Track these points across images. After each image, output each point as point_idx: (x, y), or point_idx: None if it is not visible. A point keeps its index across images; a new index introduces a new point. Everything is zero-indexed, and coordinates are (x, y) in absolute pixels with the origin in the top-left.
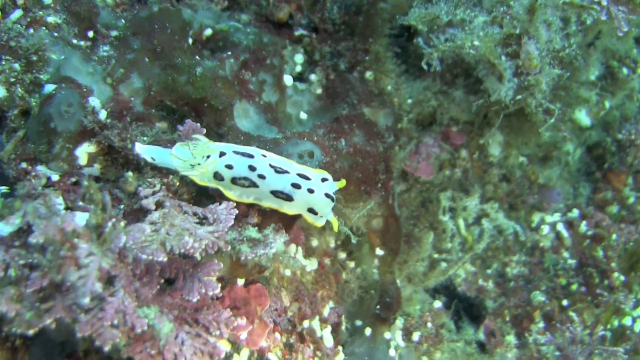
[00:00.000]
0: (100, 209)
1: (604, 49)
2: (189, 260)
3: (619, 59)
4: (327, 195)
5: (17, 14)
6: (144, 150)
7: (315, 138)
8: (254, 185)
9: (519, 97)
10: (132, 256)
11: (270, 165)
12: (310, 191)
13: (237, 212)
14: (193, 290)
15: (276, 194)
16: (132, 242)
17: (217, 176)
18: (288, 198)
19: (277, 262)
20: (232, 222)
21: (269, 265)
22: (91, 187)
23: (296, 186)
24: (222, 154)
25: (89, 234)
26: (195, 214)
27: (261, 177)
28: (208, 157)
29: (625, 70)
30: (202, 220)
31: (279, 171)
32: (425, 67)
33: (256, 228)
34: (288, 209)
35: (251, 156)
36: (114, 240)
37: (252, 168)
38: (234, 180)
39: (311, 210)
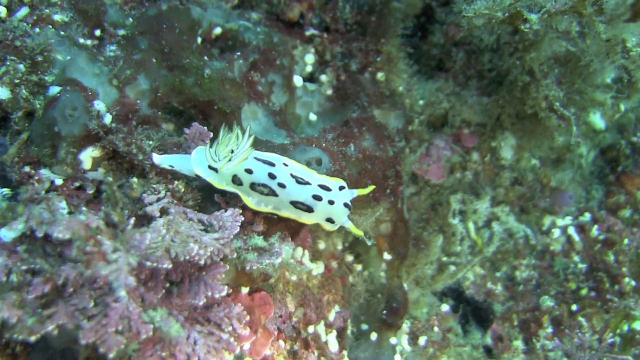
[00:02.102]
0: (120, 207)
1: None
2: (194, 264)
3: (633, 61)
4: (345, 204)
5: (23, 11)
6: (161, 160)
7: (324, 144)
8: (273, 193)
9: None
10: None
11: (292, 175)
12: (331, 202)
13: (242, 219)
14: (199, 294)
15: (296, 204)
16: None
17: (236, 180)
18: (309, 209)
19: (283, 269)
20: (238, 229)
21: (274, 274)
22: (112, 186)
23: (317, 198)
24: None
25: (111, 232)
26: (200, 221)
27: (281, 185)
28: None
29: None
30: (208, 228)
31: (300, 182)
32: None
33: (262, 237)
34: (307, 219)
35: (272, 164)
36: (137, 239)
37: (272, 176)
38: (252, 186)
39: (329, 220)
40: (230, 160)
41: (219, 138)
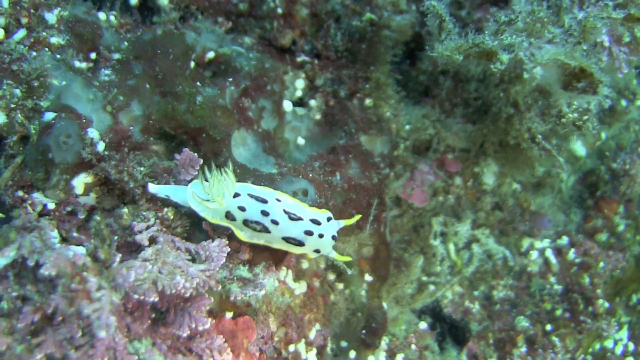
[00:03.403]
0: (108, 244)
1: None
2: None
3: (618, 91)
4: (333, 237)
5: (20, 33)
6: (157, 190)
7: (311, 175)
8: (266, 230)
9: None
10: (124, 292)
11: (285, 211)
12: (321, 236)
13: (229, 250)
14: (183, 325)
15: (288, 240)
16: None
17: (229, 216)
18: (300, 244)
19: (266, 298)
20: (224, 259)
21: (257, 305)
22: (101, 223)
23: (309, 233)
24: (236, 195)
25: (97, 269)
26: (187, 250)
27: (274, 222)
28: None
29: (624, 103)
30: (195, 256)
31: (293, 218)
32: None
33: (247, 266)
34: (296, 251)
35: (265, 201)
36: (122, 276)
37: (265, 213)
38: (245, 223)
39: (316, 251)
40: (223, 196)
41: (209, 181)
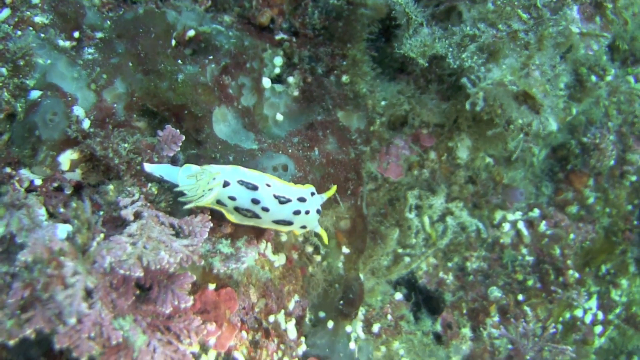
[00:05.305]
0: (86, 228)
1: (574, 59)
2: (164, 271)
3: (588, 67)
4: (317, 211)
5: (5, 13)
6: (152, 169)
7: (290, 150)
8: (256, 216)
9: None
10: (110, 267)
11: (275, 196)
12: (307, 212)
13: (211, 225)
14: (166, 302)
15: (278, 222)
16: (113, 260)
17: (220, 203)
18: (288, 224)
19: (247, 270)
20: (207, 235)
21: (240, 278)
22: (79, 209)
23: (297, 213)
24: (226, 184)
25: (75, 252)
26: (172, 225)
27: (265, 209)
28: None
29: (594, 78)
30: (179, 231)
31: (282, 201)
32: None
33: (229, 240)
34: (284, 229)
35: (255, 188)
36: (98, 260)
37: (255, 201)
38: (236, 209)
39: (303, 227)
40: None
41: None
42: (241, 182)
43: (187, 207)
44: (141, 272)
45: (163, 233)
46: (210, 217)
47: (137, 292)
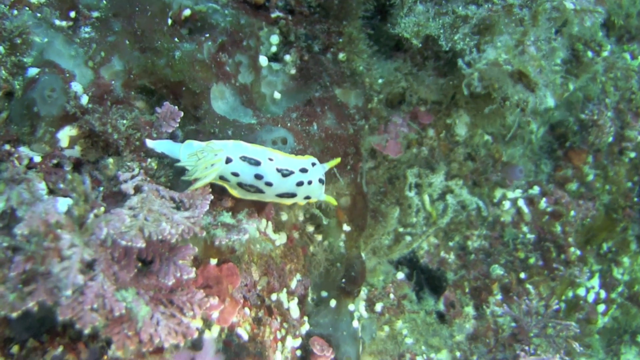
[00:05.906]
0: (83, 200)
1: (570, 34)
2: (165, 243)
3: (584, 43)
4: (320, 180)
5: None
6: (155, 145)
7: (289, 124)
8: (259, 191)
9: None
10: (111, 240)
11: (277, 170)
12: (310, 183)
13: (212, 197)
14: (169, 274)
15: (281, 195)
16: (112, 231)
17: (223, 179)
18: (292, 196)
19: (249, 242)
20: (207, 207)
21: (242, 249)
22: (75, 180)
23: (299, 184)
24: (228, 160)
25: (72, 225)
26: (172, 199)
27: (268, 184)
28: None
29: (590, 54)
30: (179, 204)
31: (285, 174)
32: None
33: (230, 213)
34: (288, 202)
35: (258, 163)
36: (95, 231)
37: (258, 177)
38: (240, 185)
39: (307, 197)
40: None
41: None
42: (244, 158)
43: (193, 187)
44: (143, 243)
45: (164, 206)
46: (210, 190)
47: (139, 265)
